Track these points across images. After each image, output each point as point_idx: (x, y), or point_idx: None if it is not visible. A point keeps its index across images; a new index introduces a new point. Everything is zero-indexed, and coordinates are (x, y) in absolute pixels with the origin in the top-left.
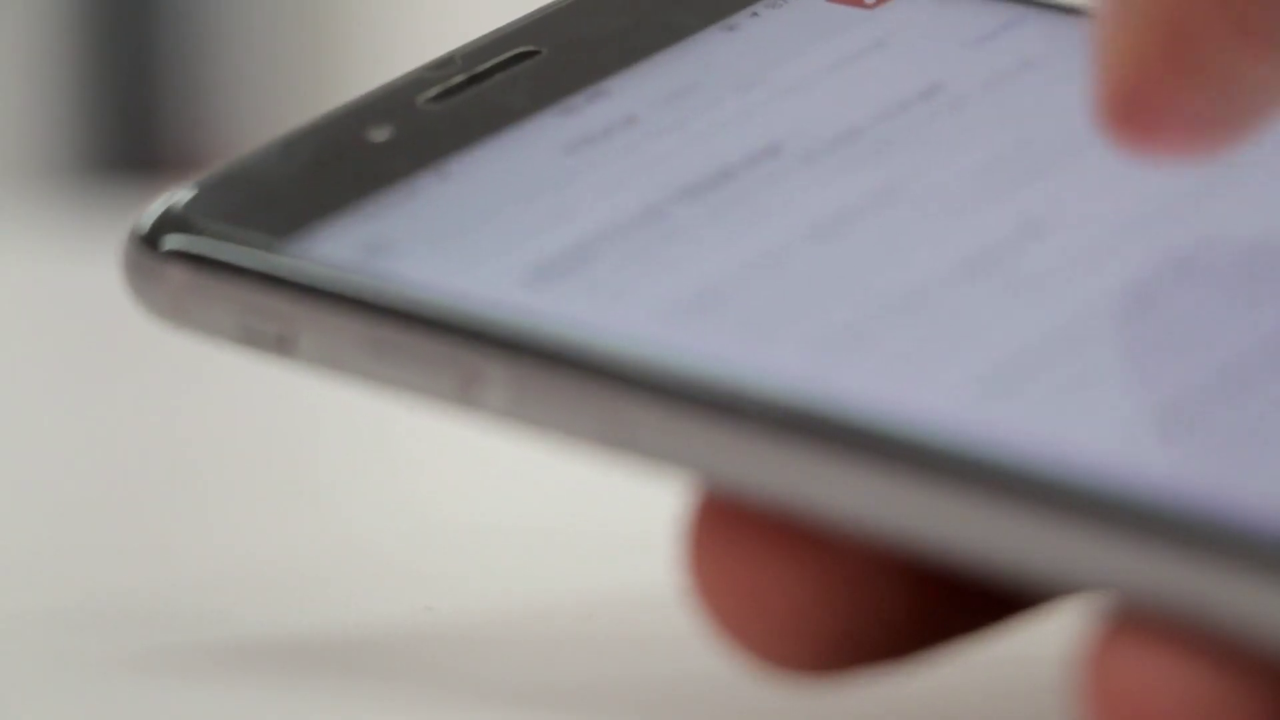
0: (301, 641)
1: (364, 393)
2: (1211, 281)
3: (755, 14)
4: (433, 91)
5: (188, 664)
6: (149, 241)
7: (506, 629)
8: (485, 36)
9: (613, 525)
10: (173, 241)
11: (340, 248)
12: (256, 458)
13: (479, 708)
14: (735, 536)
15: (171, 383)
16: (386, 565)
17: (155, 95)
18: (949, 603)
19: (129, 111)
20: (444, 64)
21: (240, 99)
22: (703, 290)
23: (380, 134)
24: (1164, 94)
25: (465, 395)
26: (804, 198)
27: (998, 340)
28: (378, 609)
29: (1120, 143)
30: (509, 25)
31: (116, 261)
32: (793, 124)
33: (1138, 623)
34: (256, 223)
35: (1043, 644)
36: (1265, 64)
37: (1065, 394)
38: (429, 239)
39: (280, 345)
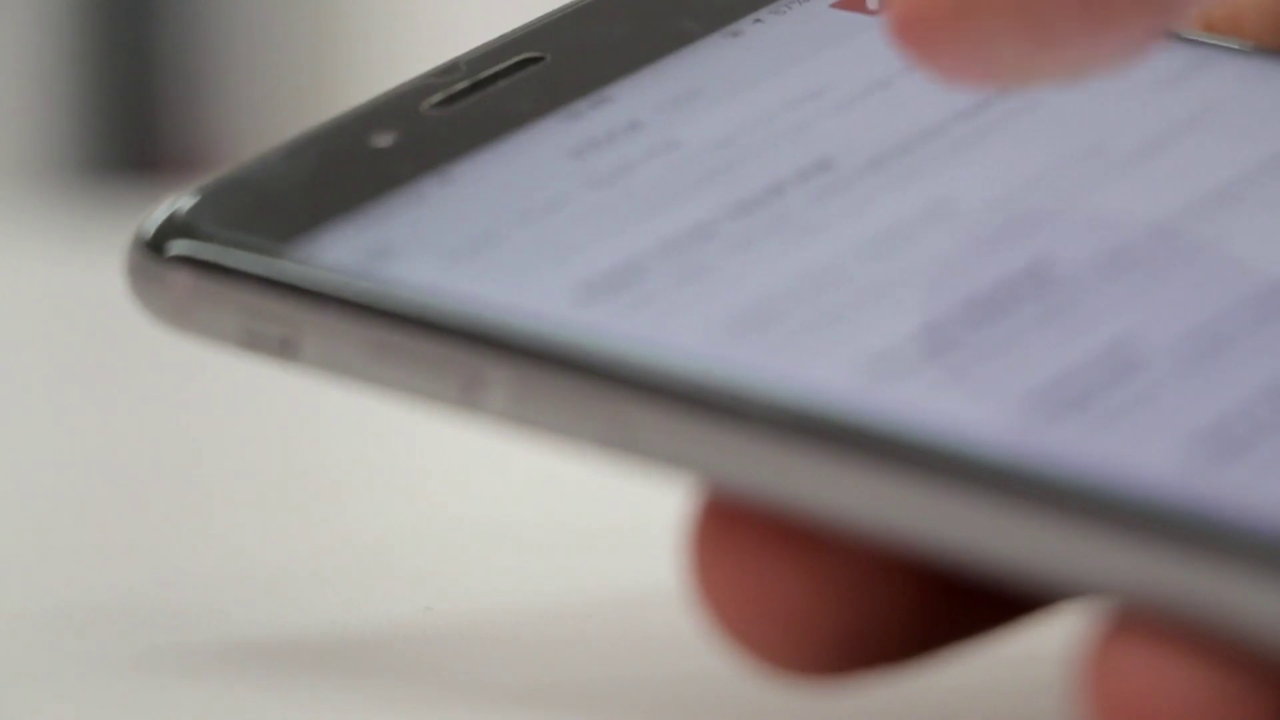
0: (301, 641)
1: (366, 396)
2: (1236, 287)
3: (759, 20)
4: (437, 97)
5: (188, 664)
6: (153, 246)
7: (506, 629)
8: (490, 43)
9: (613, 525)
10: (177, 247)
11: (344, 252)
12: (257, 459)
13: (479, 708)
14: (738, 538)
15: (172, 383)
16: (386, 565)
17: (155, 95)
18: (951, 605)
19: (129, 111)
20: (448, 70)
21: (241, 100)
22: (703, 288)
23: (384, 139)
24: (937, 28)
25: (467, 398)
26: (786, 190)
27: (1025, 354)
28: (378, 609)
29: (910, 59)
30: (513, 31)
31: (119, 265)
32: (785, 131)
33: (1138, 623)
34: (260, 228)
35: (1044, 645)
36: (1036, 52)
37: (1065, 395)
38: (432, 244)
39: (283, 349)
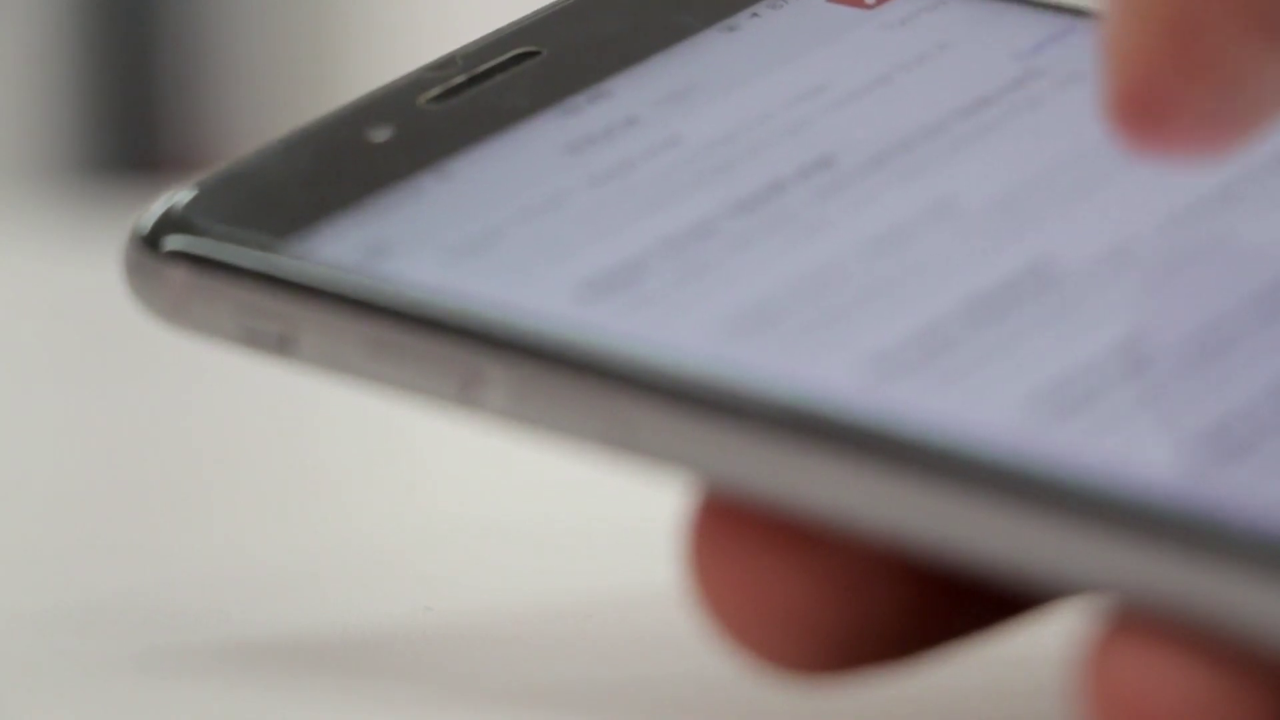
0: (301, 641)
1: (364, 393)
2: (1241, 287)
3: (756, 14)
4: (433, 92)
5: (188, 664)
6: (150, 242)
7: (506, 629)
8: (486, 37)
9: (613, 525)
10: (173, 242)
11: (341, 248)
12: (256, 458)
13: (479, 708)
14: (737, 537)
15: (171, 383)
16: (386, 565)
17: (155, 95)
18: (950, 603)
19: (129, 111)
20: (445, 64)
21: (240, 99)
22: (702, 287)
23: (381, 134)
24: (1173, 92)
25: (465, 396)
26: (785, 187)
27: (1021, 354)
28: (378, 609)
29: (1130, 143)
30: (510, 26)
31: (117, 262)
32: (784, 127)
33: (1138, 623)
34: (257, 223)
35: (1043, 644)
36: (1276, 61)
37: (1067, 395)
38: (430, 240)
39: (281, 346)
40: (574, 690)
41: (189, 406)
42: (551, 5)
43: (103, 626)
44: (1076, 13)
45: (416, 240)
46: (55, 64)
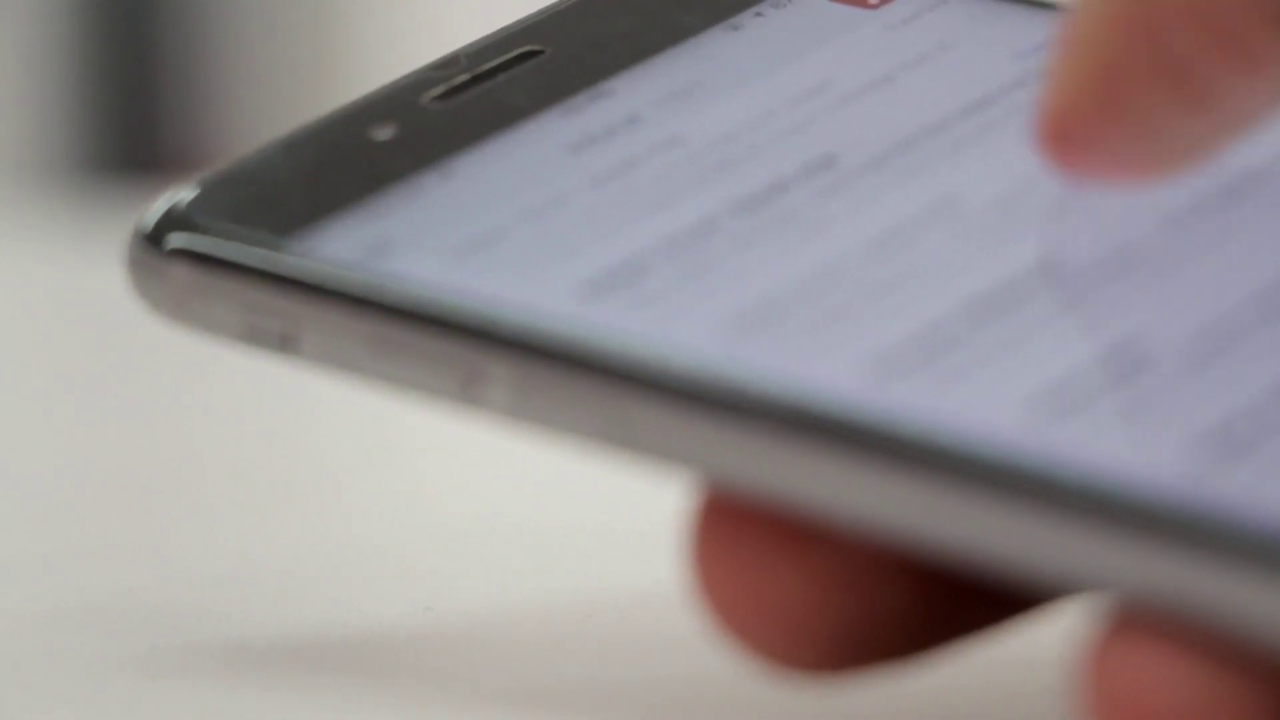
0: (301, 641)
1: (366, 391)
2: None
3: (759, 14)
4: (437, 91)
5: (188, 664)
6: (152, 240)
7: (506, 629)
8: (489, 36)
9: (613, 524)
10: (176, 240)
11: (344, 246)
12: (257, 458)
13: (479, 708)
14: (738, 535)
15: (172, 383)
16: (386, 565)
17: (155, 95)
18: (952, 602)
19: (129, 111)
20: (448, 63)
21: (240, 99)
22: (704, 285)
23: (384, 133)
24: (1089, 128)
25: (467, 394)
26: (794, 193)
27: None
28: (378, 609)
29: (1049, 162)
30: (513, 25)
31: (119, 260)
32: (787, 126)
33: (1138, 623)
34: (260, 221)
35: (1044, 644)
36: (1195, 118)
37: (1068, 394)
38: (432, 239)
39: (283, 343)
40: (574, 690)
41: (189, 406)
42: (555, 5)
43: (103, 626)
44: None
45: (419, 238)
46: (55, 64)
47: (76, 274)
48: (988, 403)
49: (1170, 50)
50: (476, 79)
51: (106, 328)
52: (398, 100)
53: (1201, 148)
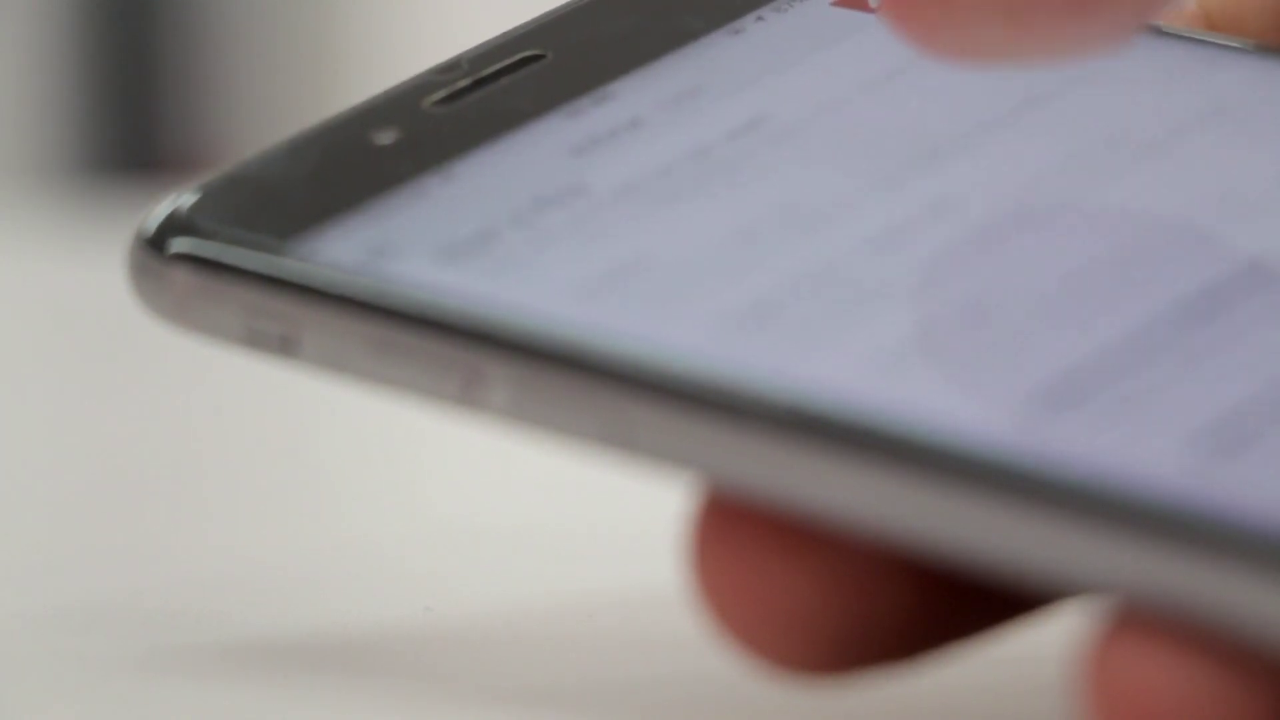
0: (301, 641)
1: (366, 394)
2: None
3: (761, 18)
4: (439, 95)
5: (188, 664)
6: (154, 244)
7: (506, 629)
8: (491, 40)
9: (613, 525)
10: (178, 244)
11: (345, 250)
12: (257, 458)
13: (479, 708)
14: (739, 536)
15: (172, 384)
16: (386, 565)
17: (155, 95)
18: (953, 603)
19: (129, 111)
20: (450, 67)
21: (240, 100)
22: (705, 286)
23: (386, 137)
24: (929, 6)
25: (467, 396)
26: (794, 192)
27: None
28: (378, 609)
29: (901, 35)
30: (515, 29)
31: (120, 263)
32: (787, 129)
33: (1139, 622)
34: (261, 225)
35: (1044, 644)
36: (1014, 33)
37: (1066, 393)
38: (434, 242)
39: (284, 347)
40: (574, 690)
41: (190, 407)
42: (557, 9)
43: (103, 626)
44: None
45: (420, 242)
46: (55, 64)
47: (77, 274)
48: (988, 402)
49: None
50: (478, 83)
51: (107, 329)
52: (399, 104)
53: (1010, 60)
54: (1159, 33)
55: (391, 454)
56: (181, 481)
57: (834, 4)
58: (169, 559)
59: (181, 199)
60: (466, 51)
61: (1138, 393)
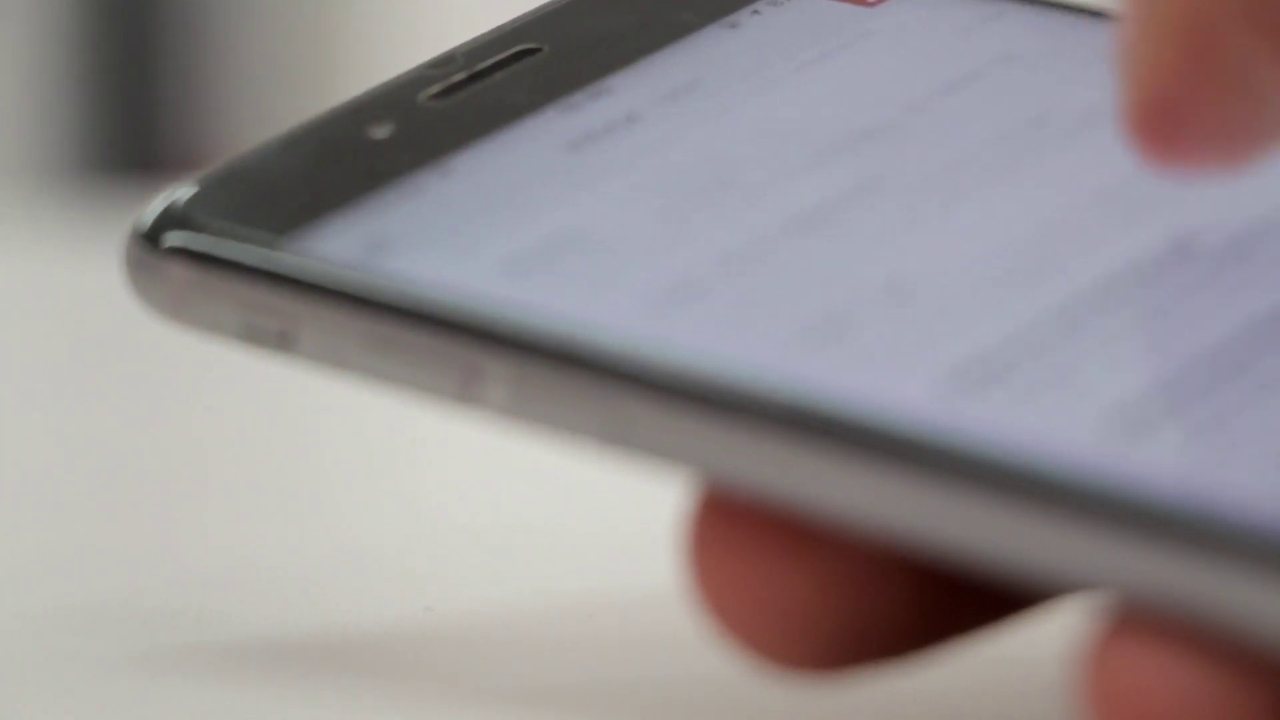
0: (301, 641)
1: (365, 390)
2: (1206, 267)
3: (757, 11)
4: (434, 89)
5: (188, 664)
6: (150, 238)
7: (506, 629)
8: (487, 34)
9: (613, 525)
10: (174, 238)
11: (342, 245)
12: (256, 458)
13: (479, 708)
14: (737, 534)
15: (171, 383)
16: (386, 565)
17: (155, 95)
18: (951, 600)
19: (129, 111)
20: (445, 62)
21: (240, 99)
22: (701, 284)
23: (381, 131)
24: (1189, 104)
25: (466, 392)
26: (794, 190)
27: (986, 333)
28: (378, 609)
29: (1148, 155)
30: (511, 23)
31: (118, 259)
32: (784, 124)
33: (1138, 622)
34: (258, 220)
35: (1044, 643)
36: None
37: (1067, 392)
38: (430, 236)
39: (281, 342)
40: (574, 691)
41: (189, 407)
42: (552, 2)
43: (103, 626)
44: (1079, 11)
45: (416, 237)
46: (55, 64)
47: (76, 274)
48: (988, 401)
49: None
50: (474, 77)
51: (106, 328)
52: (395, 99)
53: (1264, 150)
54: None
55: (391, 454)
56: (181, 481)
57: None
58: (169, 559)
59: (177, 193)
60: (461, 45)
61: (1134, 390)
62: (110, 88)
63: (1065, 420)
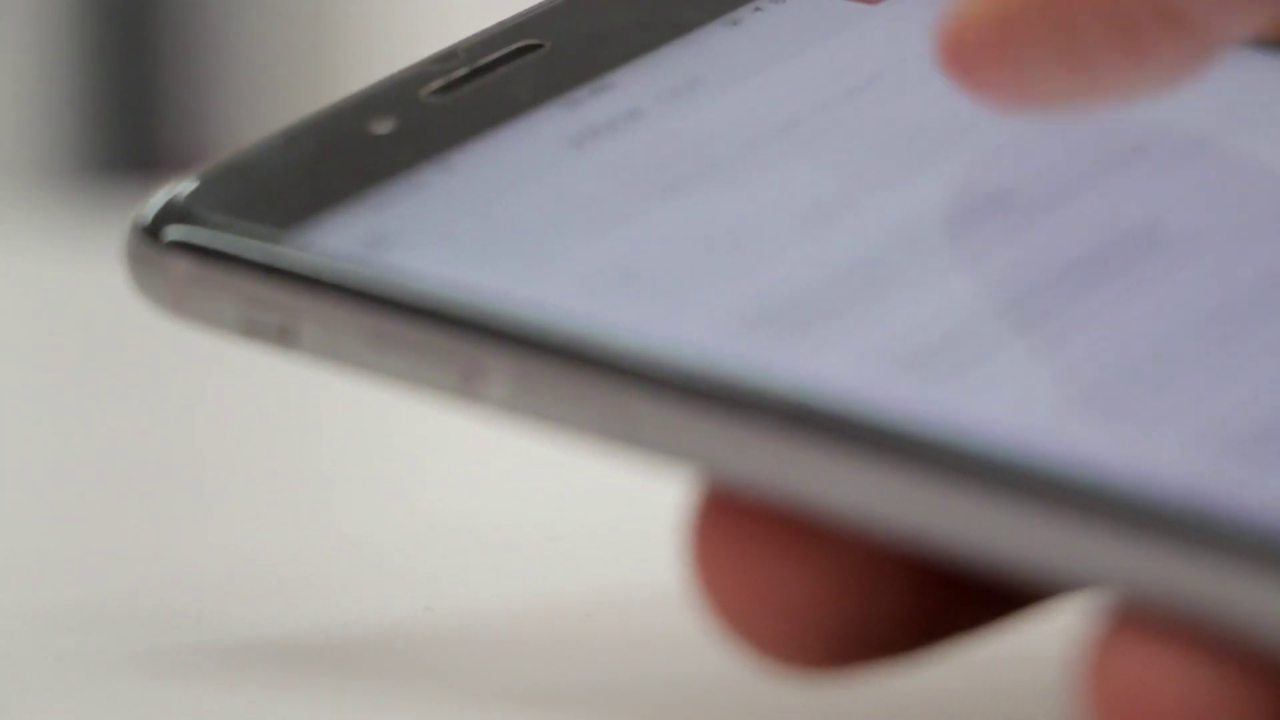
0: (301, 641)
1: (365, 385)
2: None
3: (759, 8)
4: (436, 84)
5: (188, 664)
6: (151, 233)
7: (506, 629)
8: (489, 30)
9: (613, 525)
10: (175, 233)
11: (342, 240)
12: (257, 459)
13: (479, 708)
14: (739, 532)
15: (171, 383)
16: (386, 565)
17: (155, 95)
18: (952, 598)
19: (129, 111)
20: (447, 57)
21: (240, 98)
22: (700, 283)
23: (383, 126)
24: (980, 55)
25: (466, 388)
26: (794, 186)
27: (990, 336)
28: (378, 609)
29: (947, 74)
30: (512, 19)
31: (118, 254)
32: (786, 121)
33: (1139, 621)
34: (259, 214)
35: (1044, 642)
36: (1074, 78)
37: (1065, 390)
38: (432, 232)
39: (282, 337)
40: (574, 690)
41: (189, 406)
42: None
43: (103, 626)
44: None
45: (418, 232)
46: (55, 64)
47: (76, 274)
48: (988, 401)
49: (1070, 24)
50: (476, 73)
51: (106, 327)
52: (397, 94)
53: (1069, 104)
54: None
55: (392, 453)
56: (181, 481)
57: None
58: (169, 559)
59: (178, 188)
60: (463, 41)
61: (1140, 389)
62: (110, 87)
63: (1066, 421)
